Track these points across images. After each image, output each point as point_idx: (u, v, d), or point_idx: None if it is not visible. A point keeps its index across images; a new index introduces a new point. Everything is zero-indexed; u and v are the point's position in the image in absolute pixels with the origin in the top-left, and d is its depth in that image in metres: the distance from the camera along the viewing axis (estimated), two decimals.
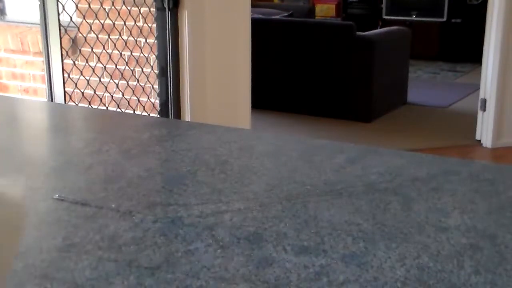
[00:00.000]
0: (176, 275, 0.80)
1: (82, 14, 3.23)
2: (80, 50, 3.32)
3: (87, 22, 3.19)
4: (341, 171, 1.21)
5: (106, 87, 3.32)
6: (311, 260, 0.84)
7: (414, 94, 5.82)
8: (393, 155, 1.34)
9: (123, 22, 3.34)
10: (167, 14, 3.18)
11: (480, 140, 4.62)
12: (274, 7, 7.62)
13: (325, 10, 8.41)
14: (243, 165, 1.25)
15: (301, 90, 5.33)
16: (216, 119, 3.23)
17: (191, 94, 3.29)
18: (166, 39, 3.21)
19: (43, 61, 2.97)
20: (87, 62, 3.18)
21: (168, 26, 3.20)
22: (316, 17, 8.07)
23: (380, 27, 7.46)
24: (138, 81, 3.43)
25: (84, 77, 3.13)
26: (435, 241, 0.90)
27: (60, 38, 2.85)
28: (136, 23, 3.39)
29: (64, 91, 2.92)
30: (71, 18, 2.96)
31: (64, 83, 2.91)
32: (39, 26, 3.00)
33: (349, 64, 5.12)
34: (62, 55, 2.88)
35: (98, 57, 3.30)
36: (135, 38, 3.42)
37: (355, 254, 0.86)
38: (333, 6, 8.44)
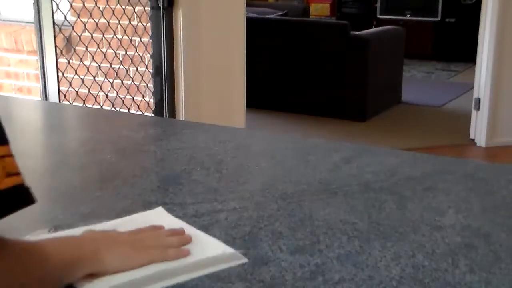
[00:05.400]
0: None
1: (77, 13, 3.22)
2: (74, 49, 3.31)
3: (81, 21, 3.19)
4: (336, 170, 1.21)
5: (100, 86, 3.31)
6: (307, 259, 0.84)
7: (408, 93, 5.83)
8: (387, 154, 1.34)
9: (117, 21, 3.34)
10: (162, 13, 3.18)
11: (474, 139, 4.63)
12: (269, 6, 7.61)
13: (319, 9, 8.42)
14: (238, 164, 1.25)
15: (295, 89, 5.33)
16: (210, 118, 3.23)
17: (185, 93, 3.29)
18: (161, 38, 3.21)
19: (37, 60, 2.96)
20: (81, 61, 3.17)
21: (163, 25, 3.19)
22: (310, 16, 8.07)
23: (375, 27, 7.47)
24: (132, 80, 3.42)
25: (78, 76, 3.12)
26: (430, 240, 0.90)
27: (54, 36, 2.84)
28: (131, 22, 3.38)
29: (59, 90, 2.91)
30: (65, 16, 2.95)
31: (58, 82, 2.90)
32: (33, 24, 2.99)
33: (344, 63, 5.13)
34: (56, 54, 2.87)
35: (93, 56, 3.29)
36: (130, 37, 3.41)
37: (350, 253, 0.86)
38: (328, 5, 8.44)
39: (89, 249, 0.76)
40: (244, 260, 0.83)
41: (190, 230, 0.90)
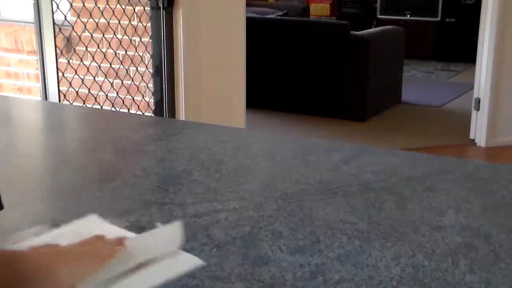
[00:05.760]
0: None
1: (77, 13, 3.22)
2: (74, 49, 3.31)
3: (81, 21, 3.19)
4: (336, 170, 1.21)
5: (100, 86, 3.31)
6: (307, 259, 0.84)
7: (408, 93, 5.83)
8: (387, 154, 1.34)
9: (117, 21, 3.34)
10: (162, 13, 3.18)
11: (474, 139, 4.63)
12: (269, 6, 7.61)
13: (319, 9, 8.42)
14: (238, 164, 1.25)
15: (295, 89, 5.33)
16: (210, 118, 3.23)
17: (185, 93, 3.29)
18: (161, 38, 3.21)
19: (37, 60, 2.96)
20: (81, 61, 3.18)
21: (163, 25, 3.20)
22: (310, 16, 8.07)
23: (375, 27, 7.47)
24: (132, 80, 3.42)
25: (78, 76, 3.12)
26: (430, 240, 0.90)
27: (54, 36, 2.84)
28: (131, 22, 3.38)
29: (59, 90, 2.91)
30: (65, 16, 2.96)
31: (58, 82, 2.90)
32: (33, 24, 2.99)
33: (344, 63, 5.13)
34: (56, 54, 2.87)
35: (93, 56, 3.29)
36: (130, 37, 3.41)
37: (350, 253, 0.86)
38: (328, 5, 8.44)
39: (43, 264, 0.74)
40: (199, 262, 0.82)
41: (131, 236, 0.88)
